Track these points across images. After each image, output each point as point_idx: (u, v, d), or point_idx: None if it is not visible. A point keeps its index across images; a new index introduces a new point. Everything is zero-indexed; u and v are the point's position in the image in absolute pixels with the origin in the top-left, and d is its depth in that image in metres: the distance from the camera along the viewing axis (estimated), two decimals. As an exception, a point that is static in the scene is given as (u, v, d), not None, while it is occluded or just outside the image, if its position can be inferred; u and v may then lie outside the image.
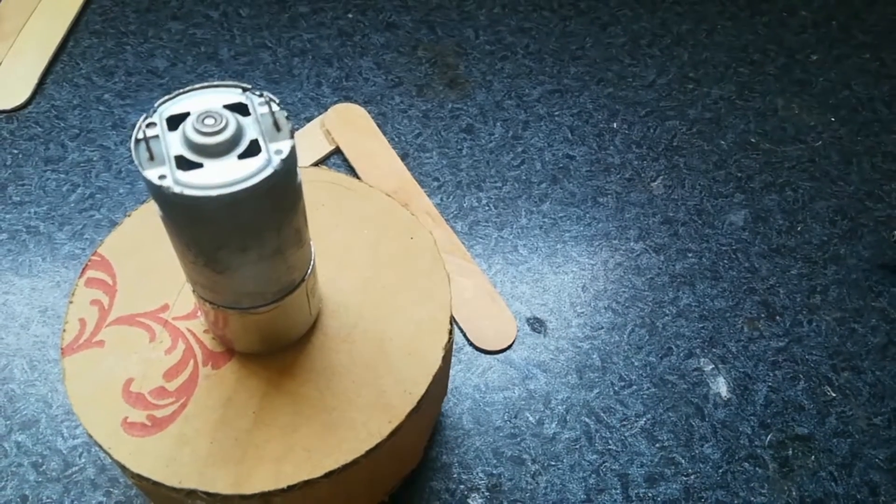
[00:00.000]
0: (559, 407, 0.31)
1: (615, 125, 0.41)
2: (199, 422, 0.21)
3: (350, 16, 0.46)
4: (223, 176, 0.16)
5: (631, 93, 0.42)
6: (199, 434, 0.21)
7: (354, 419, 0.21)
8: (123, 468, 0.20)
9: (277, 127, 0.17)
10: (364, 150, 0.38)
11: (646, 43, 0.45)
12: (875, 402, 0.31)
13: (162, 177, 0.16)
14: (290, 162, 0.16)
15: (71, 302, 0.23)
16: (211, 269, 0.18)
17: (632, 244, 0.36)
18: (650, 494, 0.29)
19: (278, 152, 0.16)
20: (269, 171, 0.16)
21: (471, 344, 0.32)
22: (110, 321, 0.22)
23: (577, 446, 0.30)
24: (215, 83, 0.17)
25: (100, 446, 0.20)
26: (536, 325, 0.33)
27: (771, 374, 0.32)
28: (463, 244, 0.36)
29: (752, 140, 0.40)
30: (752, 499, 0.29)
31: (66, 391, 0.21)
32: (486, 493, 0.29)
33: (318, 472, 0.20)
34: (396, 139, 0.40)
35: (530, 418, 0.30)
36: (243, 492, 0.20)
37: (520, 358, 0.32)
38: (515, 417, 0.30)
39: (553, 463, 0.29)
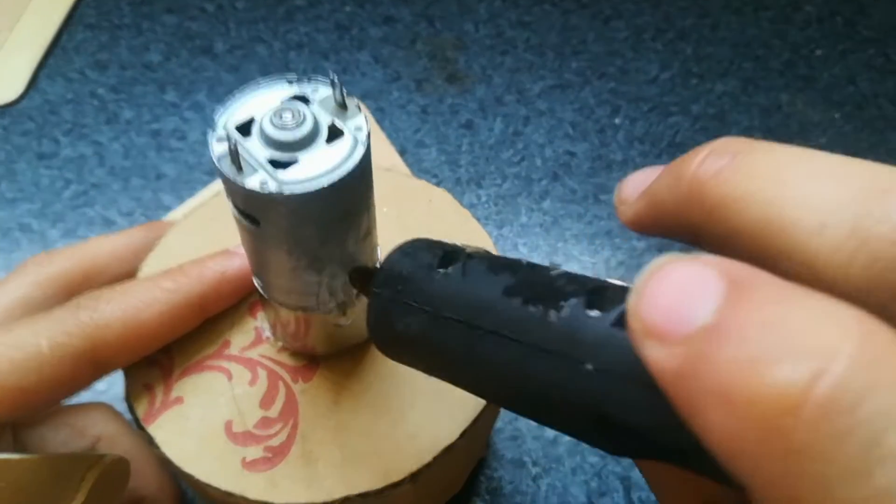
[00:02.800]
0: (560, 408, 0.30)
1: (617, 121, 0.40)
2: (318, 434, 0.21)
3: (347, 9, 0.45)
4: (322, 165, 0.15)
5: (633, 88, 0.42)
6: (322, 445, 0.20)
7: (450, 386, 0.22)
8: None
9: (344, 106, 0.16)
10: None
11: (649, 37, 0.44)
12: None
13: (264, 183, 0.15)
14: (369, 136, 0.16)
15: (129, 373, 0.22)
16: (313, 271, 0.18)
17: (634, 242, 0.35)
18: (652, 498, 0.28)
19: (359, 129, 0.16)
20: (362, 148, 0.16)
21: (470, 344, 0.32)
22: (177, 374, 0.21)
23: (579, 449, 0.29)
24: (259, 82, 0.17)
25: (230, 494, 0.19)
26: (537, 324, 0.33)
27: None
28: (462, 242, 0.35)
29: (756, 136, 0.39)
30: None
31: (164, 458, 0.20)
32: (487, 497, 0.28)
33: (451, 438, 0.20)
34: (395, 134, 0.39)
35: (531, 420, 0.30)
36: (392, 480, 0.20)
37: (520, 358, 0.32)
38: (516, 419, 0.30)
39: (554, 466, 0.29)
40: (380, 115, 0.40)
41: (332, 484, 0.20)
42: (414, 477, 0.20)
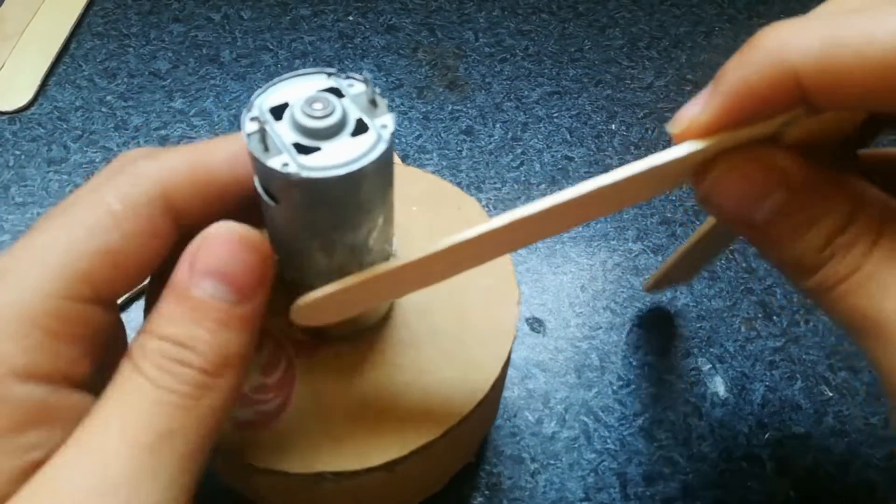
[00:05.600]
0: (558, 406, 0.31)
1: (613, 126, 0.41)
2: (309, 407, 0.21)
3: (351, 18, 0.46)
4: (343, 155, 0.16)
5: (629, 94, 0.43)
6: (311, 418, 0.21)
7: (452, 378, 0.22)
8: (248, 466, 0.20)
9: (374, 104, 0.17)
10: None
11: (644, 45, 0.45)
12: (872, 402, 0.31)
13: (285, 164, 0.16)
14: (394, 136, 0.17)
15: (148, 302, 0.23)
16: (324, 253, 0.18)
17: (630, 244, 0.36)
18: (648, 493, 0.29)
19: (384, 126, 0.17)
20: (383, 145, 0.16)
21: (470, 344, 0.33)
22: None
23: (576, 445, 0.30)
24: (298, 72, 0.18)
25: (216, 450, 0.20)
26: (535, 325, 0.33)
27: (768, 374, 0.32)
28: (463, 245, 0.36)
29: (750, 142, 0.40)
30: (750, 497, 0.29)
31: None
32: (486, 492, 0.29)
33: (435, 433, 0.21)
34: (397, 141, 0.40)
35: (529, 417, 0.31)
36: (369, 464, 0.20)
37: (519, 358, 0.32)
38: (515, 416, 0.31)
39: (552, 462, 0.30)
40: (382, 121, 0.41)
41: (310, 457, 0.20)
42: (389, 466, 0.21)
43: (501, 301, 0.24)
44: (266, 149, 0.16)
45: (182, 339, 0.16)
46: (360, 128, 0.17)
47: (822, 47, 0.15)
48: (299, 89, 0.17)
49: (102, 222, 0.17)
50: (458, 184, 0.38)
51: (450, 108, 0.42)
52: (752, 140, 0.17)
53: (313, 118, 0.16)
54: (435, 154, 0.40)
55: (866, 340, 0.17)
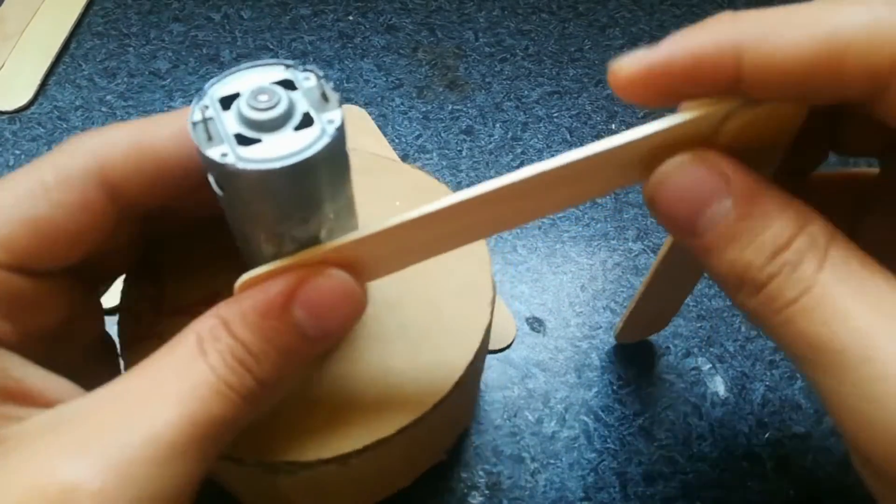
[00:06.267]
0: (558, 406, 0.31)
1: (614, 126, 0.41)
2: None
3: (351, 18, 0.46)
4: (283, 149, 0.16)
5: (629, 95, 0.43)
6: (269, 409, 0.21)
7: (417, 376, 0.22)
8: None
9: (325, 98, 0.17)
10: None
11: (644, 45, 0.45)
12: (871, 402, 0.31)
13: (224, 154, 0.16)
14: (343, 131, 0.17)
15: (121, 300, 0.23)
16: (272, 245, 0.18)
17: (630, 244, 0.36)
18: (648, 493, 0.29)
19: (331, 122, 0.17)
20: (325, 140, 0.16)
21: (470, 343, 0.33)
22: (166, 312, 0.22)
23: (576, 445, 0.30)
24: (258, 62, 0.18)
25: None
26: (535, 324, 0.33)
27: (768, 374, 0.32)
28: (463, 244, 0.36)
29: (750, 141, 0.40)
30: (750, 497, 0.29)
31: None
32: (486, 492, 0.29)
33: (390, 430, 0.21)
34: (397, 140, 0.40)
35: (529, 417, 0.31)
36: (322, 456, 0.20)
37: (519, 357, 0.32)
38: (515, 416, 0.31)
39: (552, 461, 0.30)
40: (382, 121, 0.41)
41: (265, 447, 0.21)
42: (343, 459, 0.21)
43: (475, 297, 0.24)
44: (210, 138, 0.16)
45: (254, 350, 0.17)
46: (307, 122, 0.17)
47: (765, 31, 0.15)
48: (254, 80, 0.17)
49: (32, 192, 0.17)
50: (458, 184, 0.38)
51: (450, 107, 0.42)
52: (696, 128, 0.17)
53: (257, 110, 0.16)
54: (435, 154, 0.40)
55: (816, 372, 0.15)
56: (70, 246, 0.18)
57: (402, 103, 0.42)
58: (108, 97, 0.42)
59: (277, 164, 0.16)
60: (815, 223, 0.16)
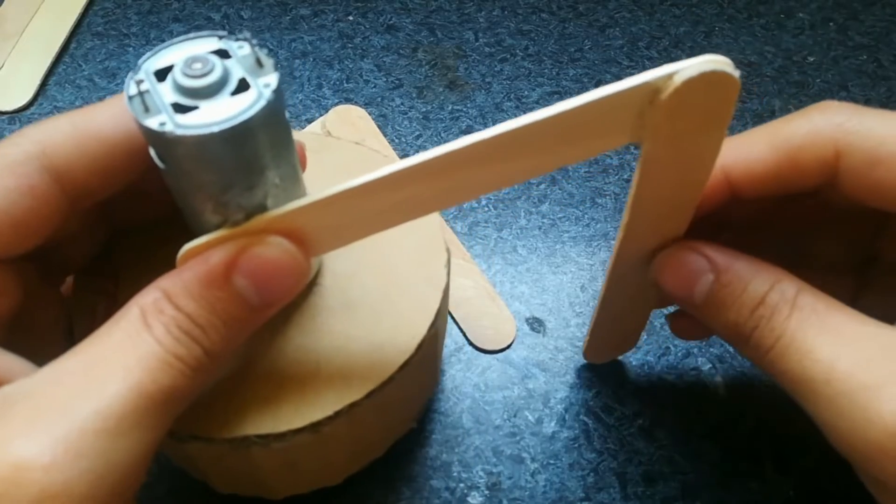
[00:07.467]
0: (558, 406, 0.31)
1: (614, 126, 0.41)
2: (233, 373, 0.22)
3: (350, 18, 0.46)
4: (220, 114, 0.16)
5: (629, 94, 0.43)
6: (236, 384, 0.21)
7: (381, 340, 0.22)
8: (174, 435, 0.21)
9: (260, 64, 0.17)
10: (364, 151, 0.39)
11: (644, 45, 0.45)
12: (871, 402, 0.31)
13: (162, 123, 0.16)
14: (280, 94, 0.17)
15: (77, 294, 0.23)
16: (217, 215, 0.18)
17: (630, 245, 0.36)
18: (648, 493, 0.29)
19: (267, 86, 0.17)
20: (263, 103, 0.17)
21: (470, 343, 0.33)
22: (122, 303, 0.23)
23: (576, 445, 0.30)
24: (191, 35, 0.18)
25: None
26: (535, 324, 0.33)
27: (768, 374, 0.32)
28: (462, 245, 0.36)
29: (750, 141, 0.40)
30: (750, 497, 0.29)
31: None
32: (486, 492, 0.29)
33: (359, 394, 0.21)
34: (397, 140, 0.40)
35: (529, 417, 0.31)
36: (293, 426, 0.21)
37: (519, 357, 0.32)
38: (515, 416, 0.31)
39: (552, 461, 0.30)
40: (382, 121, 0.41)
41: (234, 422, 0.21)
42: (315, 427, 0.21)
43: (431, 261, 0.24)
44: (147, 109, 0.16)
45: (200, 320, 0.17)
46: (243, 87, 0.17)
47: (743, 153, 0.22)
48: (188, 51, 0.17)
49: None
50: (458, 184, 0.38)
51: (450, 108, 0.42)
52: (629, 99, 0.18)
53: (192, 77, 0.17)
54: (435, 154, 0.40)
55: (802, 400, 0.19)
56: (18, 231, 0.18)
57: (402, 103, 0.42)
58: (108, 97, 0.42)
59: (216, 129, 0.16)
60: (785, 280, 0.20)
